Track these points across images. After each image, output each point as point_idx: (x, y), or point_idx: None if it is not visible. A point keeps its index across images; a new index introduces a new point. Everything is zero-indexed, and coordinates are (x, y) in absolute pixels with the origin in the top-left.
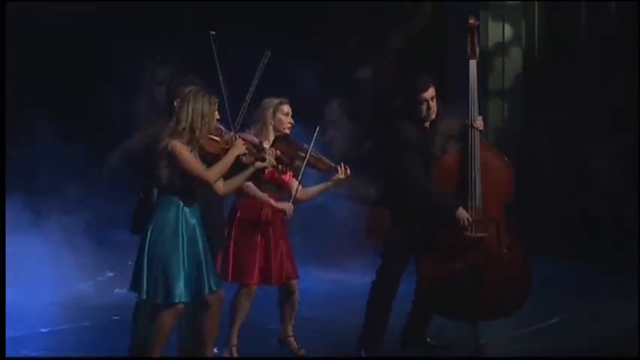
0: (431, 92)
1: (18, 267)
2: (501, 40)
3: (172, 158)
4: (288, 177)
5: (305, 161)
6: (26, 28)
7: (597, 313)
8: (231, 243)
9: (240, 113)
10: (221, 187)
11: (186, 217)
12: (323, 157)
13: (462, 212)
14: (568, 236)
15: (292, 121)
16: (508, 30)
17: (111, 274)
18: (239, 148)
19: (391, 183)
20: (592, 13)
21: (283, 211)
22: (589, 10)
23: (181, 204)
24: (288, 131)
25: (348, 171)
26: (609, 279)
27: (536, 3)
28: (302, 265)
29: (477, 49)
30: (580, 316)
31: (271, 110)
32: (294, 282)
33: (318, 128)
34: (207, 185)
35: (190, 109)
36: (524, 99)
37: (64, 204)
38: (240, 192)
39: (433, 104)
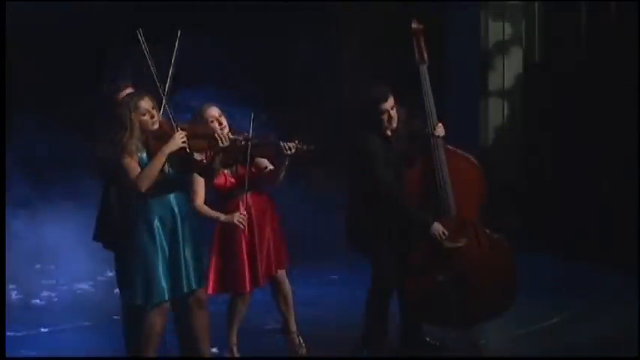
0: (390, 102)
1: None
2: (501, 40)
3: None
4: (240, 176)
5: (249, 149)
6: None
7: (597, 313)
8: (216, 250)
9: (163, 104)
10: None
11: (163, 211)
12: (262, 141)
13: (436, 227)
14: (568, 235)
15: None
16: (508, 30)
17: (111, 274)
18: (173, 143)
19: (360, 194)
20: (592, 13)
21: (266, 201)
22: (589, 9)
23: (152, 201)
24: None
25: (292, 144)
26: (608, 279)
27: (536, 3)
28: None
29: (426, 54)
30: (580, 316)
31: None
32: (280, 272)
33: (253, 115)
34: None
35: (129, 115)
36: (524, 99)
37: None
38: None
39: (393, 113)
